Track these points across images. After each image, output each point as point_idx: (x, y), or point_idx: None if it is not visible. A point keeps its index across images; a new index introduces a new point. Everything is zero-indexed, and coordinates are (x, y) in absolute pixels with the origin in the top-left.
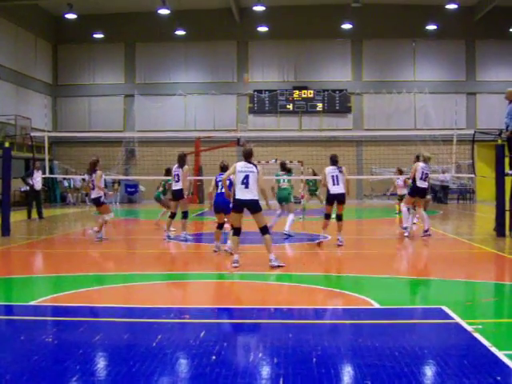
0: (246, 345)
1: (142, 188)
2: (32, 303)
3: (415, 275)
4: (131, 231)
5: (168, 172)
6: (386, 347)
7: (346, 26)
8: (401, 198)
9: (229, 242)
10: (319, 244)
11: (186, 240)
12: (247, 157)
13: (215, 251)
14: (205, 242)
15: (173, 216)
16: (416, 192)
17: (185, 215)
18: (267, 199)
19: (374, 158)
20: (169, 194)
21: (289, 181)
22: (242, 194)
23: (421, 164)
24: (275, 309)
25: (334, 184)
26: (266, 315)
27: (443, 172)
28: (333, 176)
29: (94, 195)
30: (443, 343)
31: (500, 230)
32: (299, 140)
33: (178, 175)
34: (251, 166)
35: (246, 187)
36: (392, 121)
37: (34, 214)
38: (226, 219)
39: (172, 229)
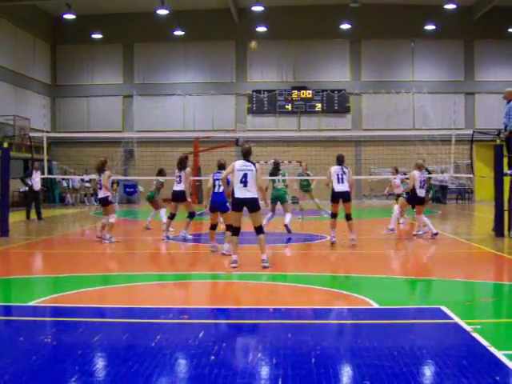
0: (245, 345)
1: (140, 188)
2: (31, 304)
3: (414, 275)
4: (130, 232)
5: (161, 172)
6: (384, 347)
7: (345, 26)
8: (398, 196)
9: (225, 244)
10: (333, 244)
11: (185, 240)
12: (246, 155)
13: (213, 251)
14: (204, 243)
15: (172, 217)
16: (414, 200)
17: (191, 215)
18: (266, 197)
19: (372, 158)
20: (161, 194)
21: (284, 181)
22: (241, 192)
23: (416, 173)
24: (274, 309)
25: (338, 182)
26: (265, 315)
27: (442, 172)
28: (338, 175)
29: (101, 195)
30: (442, 343)
31: (499, 230)
32: (298, 140)
33: (180, 176)
34: (249, 164)
35: (245, 186)
36: (391, 121)
37: (33, 215)
38: (221, 219)
39: (171, 229)
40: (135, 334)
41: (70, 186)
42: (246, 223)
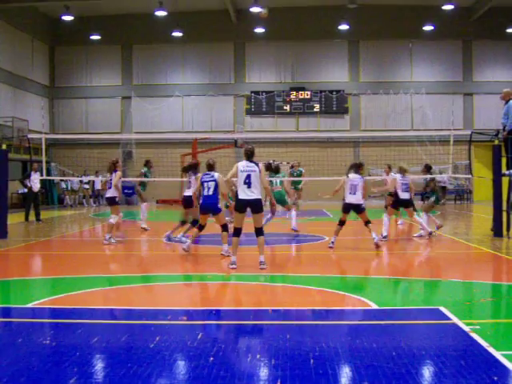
0: (244, 346)
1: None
2: (29, 305)
3: (413, 276)
4: (129, 233)
5: (147, 163)
6: (383, 348)
7: (343, 27)
8: (390, 194)
9: (224, 245)
10: (330, 248)
11: (181, 241)
12: (249, 156)
13: (185, 250)
14: (204, 244)
15: (183, 223)
16: (399, 204)
17: (194, 223)
18: (271, 197)
19: (371, 159)
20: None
21: (281, 182)
22: (245, 193)
23: (398, 176)
24: (273, 310)
25: (350, 193)
26: (264, 316)
27: (440, 172)
28: (352, 184)
29: (109, 194)
30: (441, 344)
31: (497, 231)
32: (296, 141)
33: (190, 182)
34: (253, 165)
35: (249, 187)
36: (389, 121)
37: (32, 216)
38: (213, 220)
39: (179, 236)
40: (134, 336)
41: (69, 188)
42: (247, 225)
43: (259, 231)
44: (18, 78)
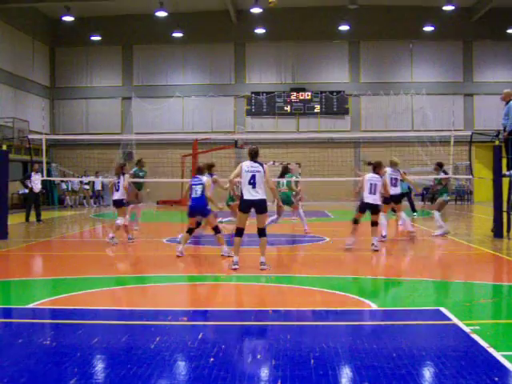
0: (244, 347)
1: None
2: (30, 306)
3: (413, 276)
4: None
5: (138, 162)
6: (384, 348)
7: (343, 28)
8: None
9: (223, 246)
10: (348, 249)
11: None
12: (253, 156)
13: (178, 256)
14: (204, 244)
15: (198, 225)
16: (389, 199)
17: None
18: (278, 197)
19: (371, 160)
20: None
21: (288, 184)
22: (249, 194)
23: (388, 170)
24: (273, 311)
25: (370, 192)
26: (264, 317)
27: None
28: (371, 184)
29: (117, 197)
30: (441, 344)
31: (498, 231)
32: (297, 142)
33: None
34: (257, 165)
35: (254, 187)
36: (390, 122)
37: (32, 217)
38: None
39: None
40: (134, 336)
41: (69, 188)
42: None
43: (262, 232)
44: (18, 78)
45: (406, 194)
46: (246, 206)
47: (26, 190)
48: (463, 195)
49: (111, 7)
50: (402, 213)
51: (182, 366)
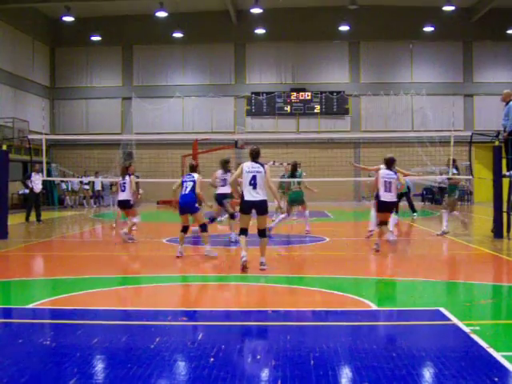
0: (244, 347)
1: (140, 190)
2: (30, 306)
3: (412, 276)
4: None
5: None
6: (383, 349)
7: (344, 28)
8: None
9: (206, 246)
10: (377, 251)
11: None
12: (254, 157)
13: (178, 256)
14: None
15: (212, 220)
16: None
17: (232, 216)
18: (278, 198)
19: (371, 160)
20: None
21: (299, 183)
22: (250, 195)
23: (382, 167)
24: (273, 311)
25: (385, 190)
26: (264, 317)
27: (441, 173)
28: (386, 181)
29: (124, 197)
30: (441, 345)
31: (497, 232)
32: (297, 142)
33: (225, 180)
34: (258, 165)
35: (254, 188)
36: (389, 122)
37: (32, 217)
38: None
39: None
40: (134, 336)
41: (69, 189)
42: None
43: (262, 233)
44: (18, 78)
45: (405, 194)
46: (246, 206)
47: (27, 190)
48: (463, 196)
49: (111, 7)
50: (392, 214)
51: (181, 367)
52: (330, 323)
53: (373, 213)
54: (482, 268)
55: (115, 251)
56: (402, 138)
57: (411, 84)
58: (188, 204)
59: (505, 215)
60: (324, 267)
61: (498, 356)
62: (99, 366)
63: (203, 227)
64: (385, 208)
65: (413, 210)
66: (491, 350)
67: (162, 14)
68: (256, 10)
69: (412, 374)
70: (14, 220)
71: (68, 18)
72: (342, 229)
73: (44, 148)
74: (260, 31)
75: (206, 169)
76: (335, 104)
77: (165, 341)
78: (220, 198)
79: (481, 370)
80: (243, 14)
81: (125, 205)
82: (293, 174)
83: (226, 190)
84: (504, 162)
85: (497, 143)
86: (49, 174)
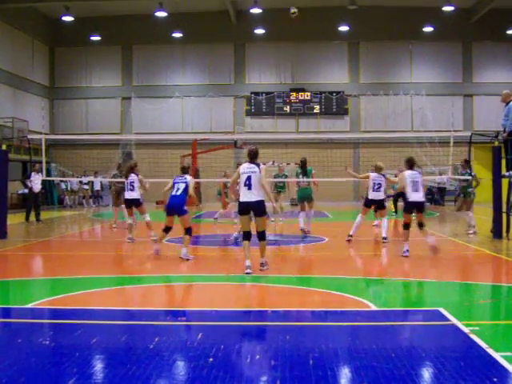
0: (243, 347)
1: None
2: (29, 306)
3: (412, 277)
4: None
5: (119, 166)
6: (382, 349)
7: (343, 28)
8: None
9: (183, 248)
10: (406, 256)
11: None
12: (252, 157)
13: (155, 254)
14: (203, 245)
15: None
16: (367, 202)
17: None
18: (272, 199)
19: (371, 160)
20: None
21: (310, 171)
22: (245, 196)
23: (372, 175)
24: (272, 311)
25: (413, 190)
26: (263, 317)
27: (440, 174)
28: (413, 181)
29: (134, 196)
30: (440, 345)
31: (497, 232)
32: (296, 142)
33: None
34: (253, 166)
35: (249, 189)
36: (389, 123)
37: (32, 217)
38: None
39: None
40: (133, 336)
41: (69, 188)
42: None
43: (262, 235)
44: (18, 78)
45: (403, 195)
46: (242, 208)
47: (26, 190)
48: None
49: (111, 7)
50: (384, 218)
51: (180, 367)
52: (330, 323)
53: (358, 218)
54: (482, 268)
55: (114, 251)
56: (401, 138)
57: (411, 84)
58: (176, 206)
59: (504, 216)
60: (323, 267)
61: (497, 356)
62: (98, 366)
63: (188, 231)
64: (412, 208)
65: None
66: (490, 351)
67: (161, 14)
68: (255, 10)
69: (411, 374)
70: (14, 220)
71: (67, 18)
72: (341, 229)
73: (43, 148)
74: (259, 31)
75: (205, 169)
76: (335, 104)
77: (164, 341)
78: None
79: (480, 371)
80: (243, 14)
81: (134, 203)
82: (302, 171)
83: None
84: (503, 162)
85: (496, 143)
86: (48, 173)
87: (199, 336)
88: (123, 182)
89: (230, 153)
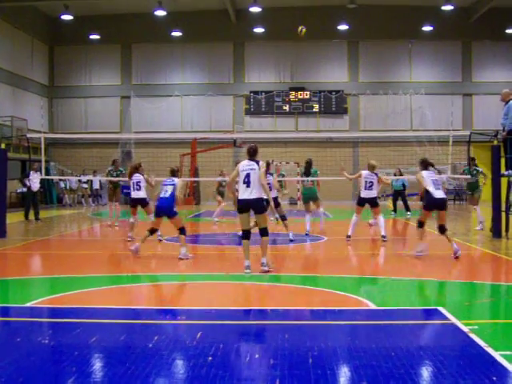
0: (243, 346)
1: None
2: (28, 305)
3: (411, 276)
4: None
5: (114, 162)
6: (382, 348)
7: (342, 27)
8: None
9: (182, 248)
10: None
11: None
12: (251, 154)
13: (132, 251)
14: (203, 244)
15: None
16: (360, 201)
17: (283, 218)
18: (270, 197)
19: (370, 159)
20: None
21: (315, 172)
22: (244, 193)
23: (364, 173)
24: (271, 310)
25: (436, 188)
26: (263, 316)
27: (439, 173)
28: (432, 180)
29: (141, 195)
30: (439, 344)
31: (496, 231)
32: (295, 141)
33: (269, 184)
34: (253, 163)
35: (248, 186)
36: (388, 122)
37: (31, 216)
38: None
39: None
40: (133, 335)
41: (68, 187)
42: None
43: (264, 231)
44: (17, 77)
45: (401, 193)
46: (241, 206)
47: (25, 189)
48: (461, 195)
49: (110, 6)
50: (380, 216)
51: (180, 365)
52: (329, 322)
53: (354, 218)
54: (481, 267)
55: (113, 250)
56: (400, 137)
57: (410, 83)
58: (165, 208)
59: (503, 215)
60: (322, 266)
61: (496, 355)
62: (97, 365)
63: (182, 230)
64: (436, 206)
65: (407, 209)
66: (490, 349)
67: (160, 13)
68: (255, 9)
69: (410, 373)
70: (13, 218)
71: (67, 17)
72: (341, 228)
73: (43, 147)
74: (259, 30)
75: (204, 168)
76: (334, 103)
77: (163, 339)
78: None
79: (479, 369)
80: (242, 12)
81: (141, 203)
82: (307, 171)
83: (273, 193)
84: (503, 161)
85: (495, 142)
86: (47, 172)
87: (198, 335)
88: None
89: (229, 152)
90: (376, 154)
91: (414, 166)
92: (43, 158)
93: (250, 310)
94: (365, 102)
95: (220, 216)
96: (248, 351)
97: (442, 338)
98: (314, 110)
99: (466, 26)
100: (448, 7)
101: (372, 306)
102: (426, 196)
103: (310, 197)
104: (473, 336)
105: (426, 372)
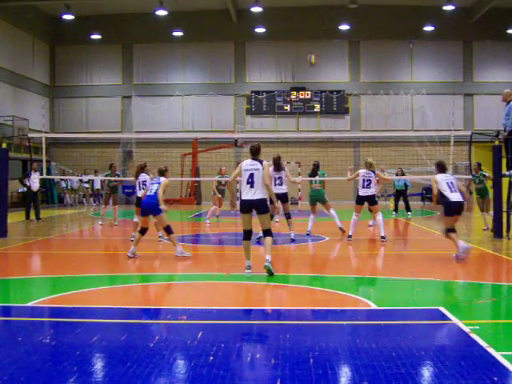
0: (244, 346)
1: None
2: (29, 304)
3: (412, 276)
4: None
5: (111, 166)
6: (383, 348)
7: (344, 27)
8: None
9: (177, 247)
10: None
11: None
12: (254, 153)
13: (130, 257)
14: (202, 244)
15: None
16: (358, 200)
17: (288, 216)
18: (274, 197)
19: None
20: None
21: (321, 181)
22: (247, 194)
23: (361, 171)
24: (272, 310)
25: (452, 191)
26: (264, 316)
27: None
28: (448, 183)
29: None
30: (441, 344)
31: (497, 231)
32: (297, 141)
33: (280, 178)
34: (256, 163)
35: (252, 186)
36: (389, 122)
37: (32, 215)
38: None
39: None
40: (134, 335)
41: (69, 187)
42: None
43: (267, 232)
44: (18, 76)
45: (402, 193)
46: (244, 206)
47: (25, 189)
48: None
49: (111, 6)
50: (379, 214)
51: (181, 365)
52: (330, 322)
53: (354, 217)
54: (482, 267)
55: (114, 249)
56: (401, 137)
57: (411, 83)
58: (150, 205)
59: (504, 215)
60: (323, 266)
61: (497, 355)
62: (98, 365)
63: (168, 229)
64: (454, 209)
65: (408, 209)
66: (491, 350)
67: (161, 13)
68: (256, 9)
69: (411, 373)
70: (14, 218)
71: (68, 17)
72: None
73: (44, 146)
74: (260, 30)
75: (205, 167)
76: (335, 103)
77: (164, 339)
78: (280, 198)
79: (480, 370)
80: (243, 12)
81: None
82: (314, 174)
83: (283, 189)
84: (504, 161)
85: (497, 143)
86: (48, 172)
87: (199, 335)
88: (117, 182)
89: (230, 152)
90: (377, 154)
91: (415, 166)
92: (44, 158)
93: (251, 309)
94: (366, 101)
95: (213, 216)
96: (249, 351)
97: (443, 339)
98: (315, 109)
99: (467, 26)
100: (449, 7)
101: (373, 306)
102: (442, 200)
103: (317, 199)
104: (474, 336)
105: (427, 372)
